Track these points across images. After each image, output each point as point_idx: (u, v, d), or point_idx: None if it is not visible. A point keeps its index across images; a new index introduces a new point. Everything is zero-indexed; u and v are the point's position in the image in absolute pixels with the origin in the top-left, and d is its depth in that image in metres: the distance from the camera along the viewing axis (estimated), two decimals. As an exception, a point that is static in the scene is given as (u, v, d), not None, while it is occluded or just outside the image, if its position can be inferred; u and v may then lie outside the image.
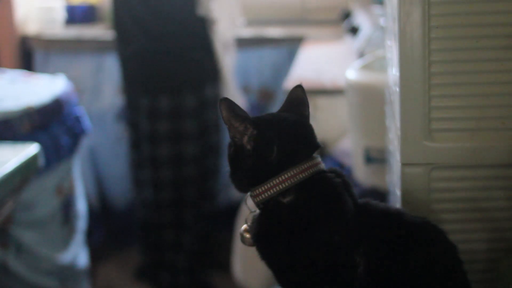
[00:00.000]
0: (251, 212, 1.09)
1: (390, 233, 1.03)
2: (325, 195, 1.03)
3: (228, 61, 2.83)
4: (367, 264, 0.99)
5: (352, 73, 2.03)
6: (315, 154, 1.07)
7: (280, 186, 1.03)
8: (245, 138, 1.03)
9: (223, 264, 2.87)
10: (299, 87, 1.10)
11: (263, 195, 1.04)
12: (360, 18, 2.89)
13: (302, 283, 1.03)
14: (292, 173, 1.03)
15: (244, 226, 1.10)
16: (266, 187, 1.03)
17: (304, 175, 1.03)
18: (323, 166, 1.07)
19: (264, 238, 1.05)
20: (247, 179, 1.05)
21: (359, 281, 0.99)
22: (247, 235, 1.09)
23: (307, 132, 1.08)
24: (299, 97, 1.10)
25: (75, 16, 3.78)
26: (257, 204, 1.05)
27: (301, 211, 1.02)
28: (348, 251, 1.00)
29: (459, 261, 1.04)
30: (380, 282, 0.99)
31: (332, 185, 1.04)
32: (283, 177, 1.03)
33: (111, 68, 3.38)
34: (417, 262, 1.00)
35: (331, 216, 1.02)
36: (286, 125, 1.06)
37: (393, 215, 1.05)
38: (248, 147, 1.03)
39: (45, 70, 3.32)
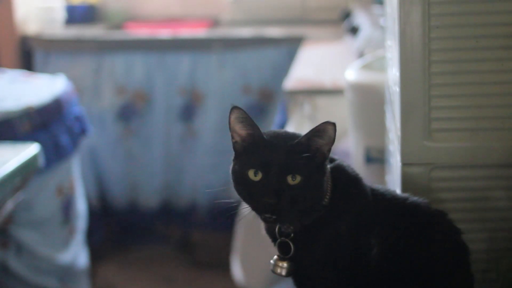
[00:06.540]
0: (275, 242, 1.07)
1: (402, 216, 1.04)
2: (350, 182, 1.05)
3: None
4: (381, 246, 1.01)
5: (352, 73, 2.02)
6: None
7: None
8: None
9: (223, 264, 2.86)
10: None
11: None
12: (360, 18, 2.88)
13: (327, 270, 1.04)
14: None
15: (275, 257, 1.07)
16: None
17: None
18: None
19: (316, 244, 1.05)
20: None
21: (373, 264, 1.00)
22: (282, 264, 1.06)
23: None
24: None
25: (75, 16, 3.78)
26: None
27: (340, 204, 1.03)
28: (365, 234, 1.02)
29: (465, 248, 1.07)
30: (392, 265, 1.01)
31: (349, 171, 1.07)
32: None
33: (111, 68, 3.37)
34: (427, 245, 1.02)
35: (357, 200, 1.04)
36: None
37: (401, 199, 1.07)
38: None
39: (45, 70, 3.32)
